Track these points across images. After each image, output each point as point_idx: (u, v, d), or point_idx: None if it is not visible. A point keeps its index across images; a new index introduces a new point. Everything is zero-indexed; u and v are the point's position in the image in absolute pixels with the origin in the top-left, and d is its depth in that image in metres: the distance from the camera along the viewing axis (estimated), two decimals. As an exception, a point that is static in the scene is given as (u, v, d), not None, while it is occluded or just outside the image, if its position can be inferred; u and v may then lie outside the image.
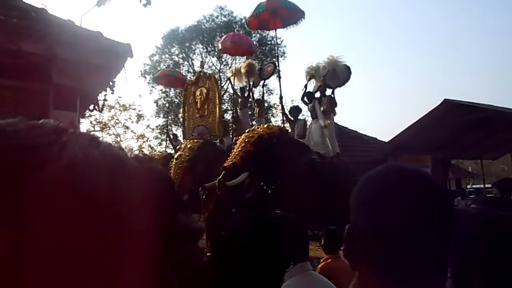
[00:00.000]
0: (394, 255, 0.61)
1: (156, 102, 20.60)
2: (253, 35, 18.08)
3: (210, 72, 12.52)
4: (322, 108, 7.19)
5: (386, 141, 12.76)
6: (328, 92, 7.43)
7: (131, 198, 0.26)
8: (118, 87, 3.81)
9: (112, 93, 3.93)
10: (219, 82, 11.91)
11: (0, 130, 0.26)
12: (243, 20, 16.81)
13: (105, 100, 4.22)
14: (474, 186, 18.71)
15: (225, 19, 20.75)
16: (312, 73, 7.67)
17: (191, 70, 19.95)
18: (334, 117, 7.45)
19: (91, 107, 4.61)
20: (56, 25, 3.44)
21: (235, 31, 16.58)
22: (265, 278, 0.92)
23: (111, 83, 3.88)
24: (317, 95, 7.52)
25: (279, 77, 8.12)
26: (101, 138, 0.30)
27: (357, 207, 0.67)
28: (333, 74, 7.31)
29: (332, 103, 7.31)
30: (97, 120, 18.48)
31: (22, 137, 0.26)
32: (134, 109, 20.01)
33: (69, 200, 0.23)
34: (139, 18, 44.65)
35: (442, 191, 0.65)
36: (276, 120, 18.05)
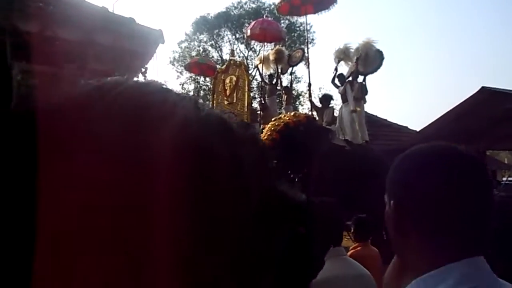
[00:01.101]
0: (441, 227, 0.64)
1: (182, 85, 20.76)
2: (282, 21, 17.86)
3: (240, 59, 12.51)
4: (353, 93, 7.05)
5: (418, 130, 12.40)
6: (360, 78, 7.27)
7: (239, 163, 0.25)
8: (150, 72, 3.88)
9: (145, 78, 4.01)
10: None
11: (112, 88, 0.25)
12: (272, 6, 16.63)
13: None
14: (510, 178, 17.96)
15: (253, 5, 20.59)
16: (340, 56, 7.51)
17: (219, 58, 20.03)
18: (364, 105, 7.30)
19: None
20: (91, 11, 3.53)
21: (264, 17, 16.43)
22: (308, 259, 0.92)
23: (143, 69, 3.95)
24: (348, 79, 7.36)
25: (307, 63, 8.02)
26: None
27: (405, 183, 0.68)
28: (366, 59, 7.13)
29: (362, 90, 7.16)
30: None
31: (137, 95, 0.25)
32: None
33: (185, 161, 0.22)
34: (169, 5, 45.07)
35: (484, 167, 0.69)
36: (304, 108, 17.89)
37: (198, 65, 10.34)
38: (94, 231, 0.21)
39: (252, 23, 8.97)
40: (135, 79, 0.32)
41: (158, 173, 0.22)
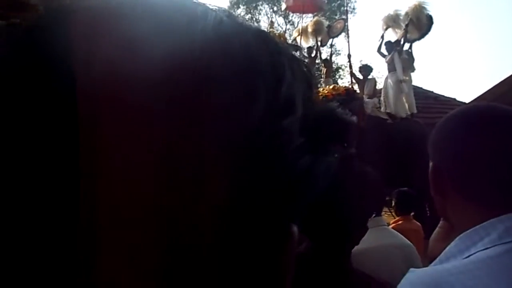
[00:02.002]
0: (481, 186, 0.65)
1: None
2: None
3: (279, 32, 12.28)
4: (401, 62, 6.72)
5: (467, 102, 11.74)
6: (406, 46, 6.91)
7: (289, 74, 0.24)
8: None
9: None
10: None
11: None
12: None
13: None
14: None
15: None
16: (389, 23, 7.13)
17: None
18: (412, 74, 6.96)
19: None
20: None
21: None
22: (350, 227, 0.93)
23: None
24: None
25: (347, 35, 7.73)
26: None
27: (443, 144, 0.69)
28: (416, 24, 6.72)
29: (410, 58, 6.81)
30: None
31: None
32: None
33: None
34: (205, -19, 44.54)
35: None
36: (343, 82, 17.42)
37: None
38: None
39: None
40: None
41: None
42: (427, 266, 0.70)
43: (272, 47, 0.24)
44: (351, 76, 7.49)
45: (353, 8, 18.82)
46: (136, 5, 0.21)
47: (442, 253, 0.66)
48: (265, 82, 0.22)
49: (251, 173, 0.21)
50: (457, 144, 0.67)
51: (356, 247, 1.02)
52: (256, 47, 0.23)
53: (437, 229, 0.77)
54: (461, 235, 0.64)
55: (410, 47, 6.96)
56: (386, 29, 7.23)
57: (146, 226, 0.19)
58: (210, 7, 0.24)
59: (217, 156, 0.20)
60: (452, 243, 0.65)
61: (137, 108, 0.19)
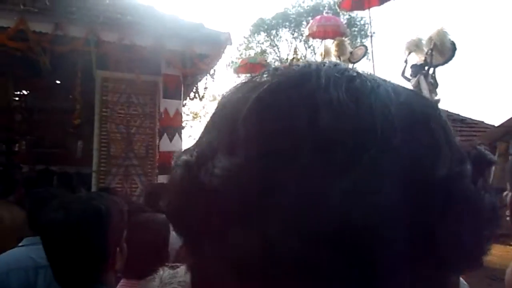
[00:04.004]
0: None
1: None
2: (341, 17, 17.45)
3: (303, 58, 12.37)
4: (427, 85, 6.68)
5: (496, 124, 11.40)
6: (430, 70, 6.87)
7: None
8: (218, 75, 3.98)
9: (213, 80, 4.14)
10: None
11: None
12: (332, 2, 16.28)
13: (205, 88, 4.46)
14: None
15: (312, 3, 20.35)
16: (412, 48, 7.14)
17: (277, 57, 20.07)
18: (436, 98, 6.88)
19: (192, 95, 4.91)
20: (162, 19, 3.71)
21: (324, 13, 16.16)
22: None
23: (211, 71, 4.08)
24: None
25: (371, 59, 7.74)
26: None
27: None
28: (439, 49, 6.70)
29: (434, 82, 6.75)
30: (190, 110, 19.63)
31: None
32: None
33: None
34: (229, 8, 46.08)
35: None
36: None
37: (246, 65, 10.04)
38: None
39: (310, 22, 8.87)
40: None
41: None
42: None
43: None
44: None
45: (373, 32, 18.92)
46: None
47: None
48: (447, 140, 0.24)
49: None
50: None
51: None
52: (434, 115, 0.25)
53: None
54: None
55: (434, 71, 6.90)
56: (409, 53, 7.23)
57: None
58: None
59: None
60: None
61: None
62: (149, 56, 3.60)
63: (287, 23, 20.59)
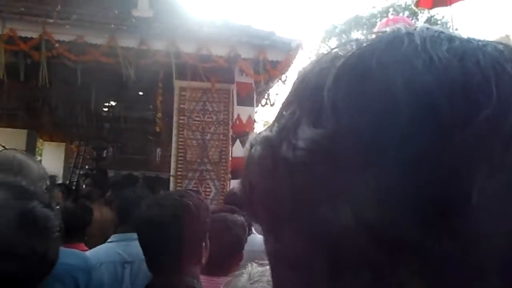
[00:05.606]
0: None
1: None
2: (420, 15, 16.55)
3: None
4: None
5: None
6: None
7: None
8: (289, 81, 4.00)
9: (285, 86, 4.17)
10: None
11: None
12: (408, 2, 15.54)
13: (277, 94, 4.50)
14: None
15: (386, 3, 19.61)
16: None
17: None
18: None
19: (263, 102, 4.98)
20: (237, 29, 3.84)
21: (398, 15, 15.48)
22: None
23: (283, 78, 4.11)
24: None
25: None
26: None
27: None
28: None
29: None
30: (261, 118, 19.94)
31: None
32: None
33: None
34: (301, 15, 46.34)
35: None
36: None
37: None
38: None
39: (377, 26, 8.56)
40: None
41: None
42: None
43: None
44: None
45: (456, 29, 17.52)
46: None
47: None
48: None
49: None
50: None
51: None
52: None
53: None
54: None
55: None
56: None
57: None
58: None
59: None
60: None
61: None
62: (224, 65, 3.74)
63: (359, 27, 20.06)
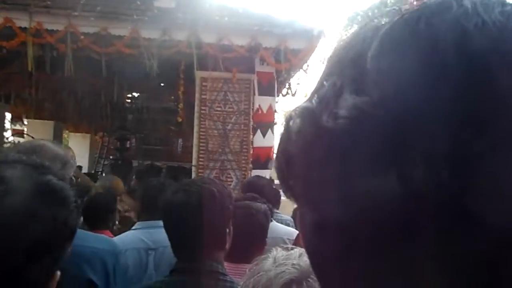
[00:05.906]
0: None
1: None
2: None
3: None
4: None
5: None
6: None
7: None
8: (312, 70, 3.95)
9: (306, 75, 4.12)
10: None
11: None
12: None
13: (298, 84, 4.46)
14: None
15: (410, -10, 19.08)
16: None
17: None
18: None
19: (284, 91, 4.95)
20: (258, 18, 3.81)
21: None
22: None
23: (305, 67, 4.06)
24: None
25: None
26: None
27: None
28: None
29: None
30: (282, 109, 19.85)
31: None
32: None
33: None
34: (323, 5, 45.69)
35: None
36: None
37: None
38: None
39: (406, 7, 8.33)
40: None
41: None
42: None
43: None
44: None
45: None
46: None
47: None
48: None
49: None
50: None
51: None
52: None
53: None
54: None
55: None
56: None
57: None
58: None
59: None
60: None
61: None
62: (245, 54, 3.73)
63: (383, 14, 19.59)
